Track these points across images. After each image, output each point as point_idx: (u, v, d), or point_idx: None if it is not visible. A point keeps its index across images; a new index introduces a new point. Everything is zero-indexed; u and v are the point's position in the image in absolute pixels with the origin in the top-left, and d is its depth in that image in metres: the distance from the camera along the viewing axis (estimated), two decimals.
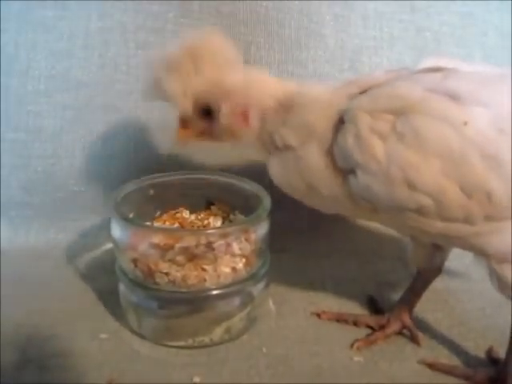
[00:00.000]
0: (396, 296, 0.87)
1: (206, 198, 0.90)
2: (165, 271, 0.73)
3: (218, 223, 0.85)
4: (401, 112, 0.62)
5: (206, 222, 0.85)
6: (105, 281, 0.89)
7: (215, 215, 0.87)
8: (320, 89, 0.72)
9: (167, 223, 0.86)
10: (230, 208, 0.88)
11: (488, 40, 1.10)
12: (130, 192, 0.83)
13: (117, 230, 0.77)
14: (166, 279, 0.73)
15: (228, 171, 0.89)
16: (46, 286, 0.89)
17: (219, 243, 0.73)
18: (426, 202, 0.61)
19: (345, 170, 0.66)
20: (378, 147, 0.62)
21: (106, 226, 1.00)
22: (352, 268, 0.96)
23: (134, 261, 0.75)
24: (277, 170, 0.72)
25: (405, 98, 0.63)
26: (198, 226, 0.84)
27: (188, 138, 0.76)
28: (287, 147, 0.70)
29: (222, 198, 0.89)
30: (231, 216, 0.87)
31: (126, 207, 0.80)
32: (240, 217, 0.86)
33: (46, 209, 1.03)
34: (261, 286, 0.80)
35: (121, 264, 0.79)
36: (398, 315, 0.79)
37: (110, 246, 0.99)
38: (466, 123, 0.59)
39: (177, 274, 0.73)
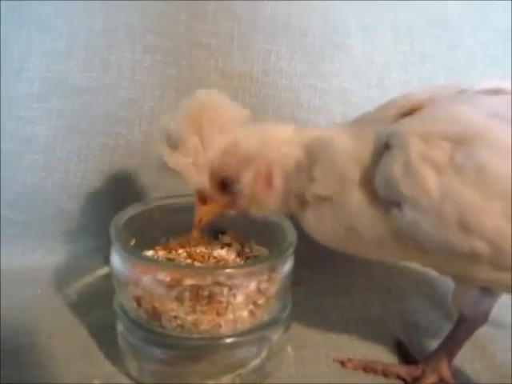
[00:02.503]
0: (426, 340, 0.79)
1: (217, 225, 0.80)
2: (173, 314, 0.62)
3: (233, 256, 0.74)
4: (460, 140, 0.53)
5: (216, 253, 0.75)
6: (99, 313, 0.79)
7: (229, 245, 0.77)
8: (347, 131, 0.64)
9: (173, 252, 0.75)
10: (244, 237, 0.78)
11: None
12: (132, 216, 0.73)
13: (117, 261, 0.67)
14: (174, 323, 0.63)
15: None
16: (30, 317, 0.78)
17: (238, 283, 0.63)
18: (482, 247, 0.52)
19: (387, 202, 0.57)
20: (431, 180, 0.53)
21: (100, 249, 0.91)
22: (375, 307, 0.86)
23: (137, 299, 0.65)
24: (314, 225, 0.65)
25: (466, 124, 0.54)
26: (209, 257, 0.74)
27: (210, 213, 0.70)
28: (321, 198, 0.63)
29: (235, 225, 0.79)
30: (246, 247, 0.77)
31: (128, 232, 0.71)
32: (257, 248, 0.76)
33: (33, 227, 0.93)
34: (281, 329, 0.69)
35: (121, 300, 0.68)
36: (434, 366, 0.69)
37: (105, 271, 0.89)
38: None
39: (187, 317, 0.62)
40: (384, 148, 0.58)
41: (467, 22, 1.01)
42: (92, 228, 0.93)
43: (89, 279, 0.89)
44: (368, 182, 0.59)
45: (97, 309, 0.80)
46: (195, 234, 0.72)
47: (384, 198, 0.57)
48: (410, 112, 0.60)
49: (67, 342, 0.73)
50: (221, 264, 0.72)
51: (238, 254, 0.75)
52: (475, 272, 0.56)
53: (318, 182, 0.62)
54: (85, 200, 0.93)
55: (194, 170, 0.66)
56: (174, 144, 0.65)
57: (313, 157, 0.64)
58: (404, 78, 0.97)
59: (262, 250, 0.76)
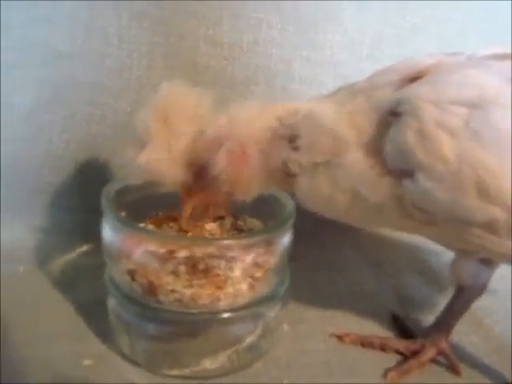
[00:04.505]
0: (422, 314, 0.79)
1: None
2: (170, 288, 0.60)
3: (226, 229, 0.72)
4: (475, 104, 0.52)
5: (208, 226, 0.72)
6: (85, 290, 0.76)
7: (221, 219, 0.74)
8: (331, 101, 0.62)
9: (164, 226, 0.73)
10: (237, 210, 0.76)
11: None
12: (121, 188, 0.70)
13: (109, 233, 0.64)
14: (171, 297, 0.60)
15: None
16: (12, 296, 0.74)
17: (235, 256, 0.61)
18: (500, 215, 0.51)
19: (397, 173, 0.56)
20: (447, 145, 0.52)
21: (84, 224, 0.88)
22: (369, 282, 0.86)
23: (131, 272, 0.62)
24: (308, 194, 0.62)
25: (480, 87, 0.53)
26: (201, 231, 0.72)
27: (196, 207, 0.69)
28: (314, 166, 0.60)
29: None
30: (240, 221, 0.74)
31: (117, 205, 0.67)
32: (251, 221, 0.74)
33: (13, 202, 0.89)
34: (278, 305, 0.68)
35: (112, 275, 0.65)
36: (433, 339, 0.69)
37: (88, 247, 0.87)
38: None
39: (185, 291, 0.60)
40: (391, 116, 0.56)
41: None
42: (75, 203, 0.89)
43: (71, 256, 0.86)
44: (369, 147, 0.57)
45: (82, 285, 0.78)
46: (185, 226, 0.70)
47: (395, 167, 0.56)
48: (414, 78, 0.58)
49: (54, 320, 0.71)
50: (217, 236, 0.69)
51: (232, 228, 0.73)
52: (491, 244, 0.55)
53: (307, 149, 0.60)
54: (67, 173, 0.89)
55: (168, 165, 0.63)
56: (143, 143, 0.63)
57: (292, 128, 0.61)
58: (395, 51, 0.95)
59: (256, 224, 0.74)
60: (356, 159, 0.58)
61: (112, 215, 0.63)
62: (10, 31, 0.84)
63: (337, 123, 0.59)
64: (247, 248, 0.62)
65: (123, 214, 0.69)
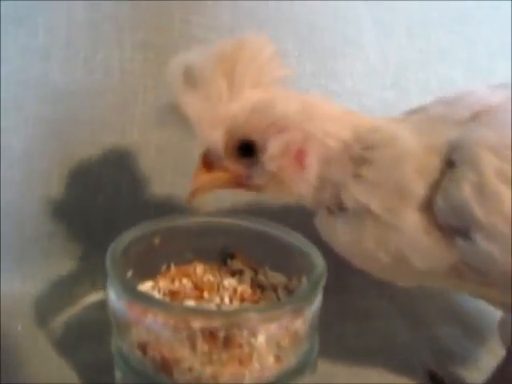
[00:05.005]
0: (461, 370, 0.71)
1: (224, 249, 0.70)
2: (187, 365, 0.52)
3: (245, 285, 0.65)
4: None
5: (226, 282, 0.65)
6: (91, 352, 0.68)
7: (240, 273, 0.67)
8: (409, 127, 0.53)
9: (176, 283, 0.65)
10: (257, 262, 0.68)
11: None
12: (129, 242, 0.62)
13: (114, 298, 0.57)
14: (188, 376, 0.53)
15: (255, 215, 0.69)
16: (8, 355, 0.68)
17: (260, 326, 0.53)
18: None
19: (451, 230, 0.49)
20: (510, 201, 0.45)
21: (87, 273, 0.81)
22: (402, 334, 0.78)
23: (142, 346, 0.55)
24: (345, 240, 0.54)
25: None
26: (218, 288, 0.65)
27: (211, 185, 0.57)
28: (364, 210, 0.52)
29: (246, 249, 0.69)
30: (260, 274, 0.67)
31: (125, 262, 0.60)
32: (273, 275, 0.67)
33: (10, 251, 0.81)
34: (308, 375, 0.60)
35: (120, 345, 0.58)
36: None
37: (92, 298, 0.80)
38: None
39: (204, 369, 0.52)
40: (445, 165, 0.49)
41: (483, 15, 0.94)
42: (77, 250, 0.82)
43: (76, 309, 0.78)
44: (429, 202, 0.49)
45: (88, 347, 0.70)
46: (189, 204, 0.59)
47: (447, 225, 0.48)
48: (473, 118, 0.51)
49: None
50: (239, 306, 0.62)
51: (252, 283, 0.66)
52: None
53: (368, 187, 0.52)
54: (68, 218, 0.82)
55: (208, 120, 0.53)
56: (193, 81, 0.52)
57: (366, 150, 0.52)
58: (421, 77, 0.89)
59: (278, 278, 0.66)
60: (412, 223, 0.50)
61: (117, 280, 0.55)
62: (3, 67, 0.78)
63: (413, 170, 0.50)
64: (273, 319, 0.54)
65: (130, 272, 0.62)
